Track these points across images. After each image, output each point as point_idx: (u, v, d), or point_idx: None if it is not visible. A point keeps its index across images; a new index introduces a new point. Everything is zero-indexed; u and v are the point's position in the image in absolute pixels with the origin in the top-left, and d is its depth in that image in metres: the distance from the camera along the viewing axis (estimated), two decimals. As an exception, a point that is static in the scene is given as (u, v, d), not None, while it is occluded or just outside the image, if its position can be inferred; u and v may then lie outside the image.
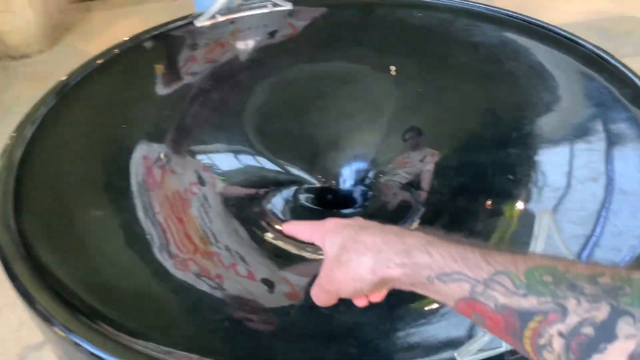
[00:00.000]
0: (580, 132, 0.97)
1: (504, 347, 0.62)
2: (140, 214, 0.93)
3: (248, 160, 1.13)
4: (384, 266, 0.45)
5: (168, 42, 1.31)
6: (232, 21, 1.35)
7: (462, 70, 1.17)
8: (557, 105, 1.05)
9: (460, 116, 1.13)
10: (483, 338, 0.62)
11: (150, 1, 2.82)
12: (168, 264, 0.81)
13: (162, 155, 1.07)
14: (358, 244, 0.47)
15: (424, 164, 1.12)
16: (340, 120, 1.13)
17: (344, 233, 0.49)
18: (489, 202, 0.98)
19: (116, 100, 1.15)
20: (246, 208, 1.03)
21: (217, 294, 0.78)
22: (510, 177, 0.97)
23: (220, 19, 1.34)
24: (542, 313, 0.36)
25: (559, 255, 0.64)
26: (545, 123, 1.03)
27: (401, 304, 0.70)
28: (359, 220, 0.52)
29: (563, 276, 0.36)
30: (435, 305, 0.70)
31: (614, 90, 1.01)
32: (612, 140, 0.92)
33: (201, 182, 1.06)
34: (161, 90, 1.23)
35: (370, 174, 1.13)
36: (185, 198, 0.99)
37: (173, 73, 1.26)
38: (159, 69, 1.28)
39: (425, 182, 1.10)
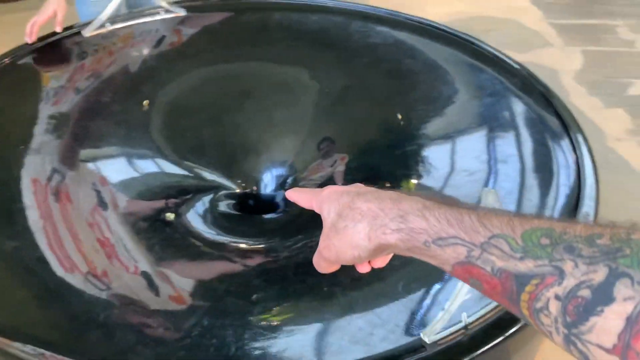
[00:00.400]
0: (482, 120, 1.06)
1: (464, 321, 0.66)
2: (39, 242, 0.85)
3: (160, 170, 1.08)
4: (380, 232, 0.44)
5: (56, 53, 1.21)
6: (122, 30, 1.28)
7: (365, 71, 1.22)
8: (456, 98, 1.13)
9: (368, 117, 1.17)
10: (444, 317, 0.65)
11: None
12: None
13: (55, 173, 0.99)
14: (354, 210, 0.46)
15: (334, 167, 1.15)
16: (258, 126, 1.12)
17: (340, 200, 0.48)
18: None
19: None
20: (160, 223, 0.98)
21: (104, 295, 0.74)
22: (418, 168, 1.03)
23: (110, 28, 1.27)
24: (538, 276, 0.35)
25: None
26: (449, 114, 1.11)
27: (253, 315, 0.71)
28: (357, 187, 0.50)
29: (560, 238, 0.36)
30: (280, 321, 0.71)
31: (504, 81, 1.11)
32: (512, 125, 1.02)
33: (102, 202, 0.99)
34: (51, 104, 1.13)
35: (290, 180, 1.13)
36: (89, 227, 0.92)
37: (64, 86, 1.17)
38: (46, 80, 1.18)
39: (339, 180, 1.13)
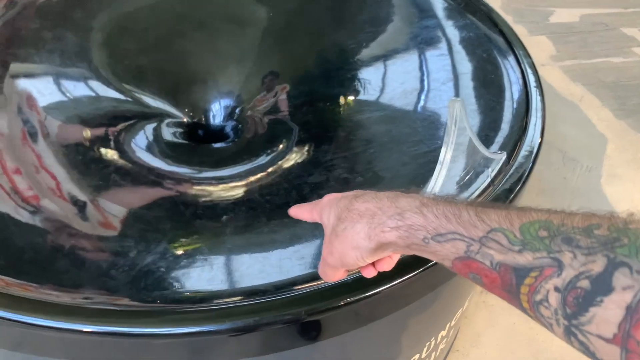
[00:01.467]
0: (429, 40, 1.07)
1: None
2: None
3: (100, 95, 1.01)
4: (379, 231, 0.44)
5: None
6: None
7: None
8: (403, 19, 1.13)
9: (312, 45, 1.15)
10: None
11: None
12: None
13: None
14: (352, 212, 0.46)
15: (276, 97, 1.14)
16: (204, 54, 1.08)
17: (339, 204, 0.48)
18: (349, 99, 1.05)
19: None
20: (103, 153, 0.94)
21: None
22: (362, 88, 1.04)
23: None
24: (537, 268, 0.35)
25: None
26: (396, 35, 1.11)
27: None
28: (355, 192, 0.50)
29: (558, 230, 0.36)
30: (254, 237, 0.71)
31: (449, 1, 1.13)
32: (458, 44, 1.04)
33: (31, 130, 0.92)
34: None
35: (238, 110, 1.11)
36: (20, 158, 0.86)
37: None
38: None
39: (284, 106, 1.12)
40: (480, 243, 0.39)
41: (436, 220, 0.41)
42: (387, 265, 0.51)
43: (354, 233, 0.45)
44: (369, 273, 0.51)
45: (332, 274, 0.51)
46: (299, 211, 0.56)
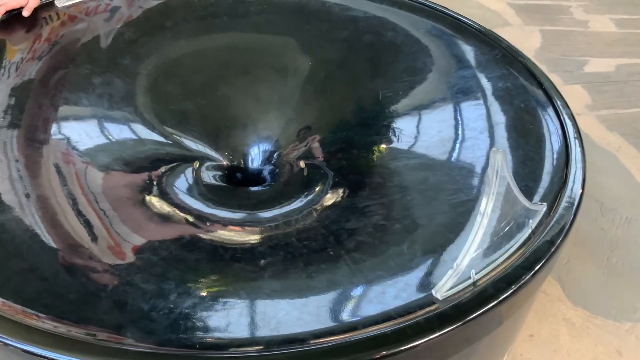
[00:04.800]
0: (466, 90, 1.08)
1: (472, 278, 0.68)
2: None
3: (143, 139, 1.05)
4: None
5: (26, 24, 1.15)
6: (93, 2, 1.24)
7: (347, 44, 1.22)
8: (440, 68, 1.15)
9: (348, 96, 1.17)
10: (454, 274, 0.67)
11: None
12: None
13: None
14: None
15: (308, 145, 1.15)
16: (245, 100, 1.11)
17: None
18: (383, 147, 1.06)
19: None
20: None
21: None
22: (397, 138, 1.05)
23: (84, -2, 1.22)
24: None
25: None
26: (433, 85, 1.12)
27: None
28: None
29: None
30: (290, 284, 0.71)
31: (487, 52, 1.14)
32: (495, 94, 1.04)
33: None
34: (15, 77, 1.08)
35: (276, 155, 1.13)
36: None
37: (33, 57, 1.12)
38: (12, 53, 1.12)
39: (318, 153, 1.13)
40: None
41: None
42: None
43: None
44: None
45: None
46: None
